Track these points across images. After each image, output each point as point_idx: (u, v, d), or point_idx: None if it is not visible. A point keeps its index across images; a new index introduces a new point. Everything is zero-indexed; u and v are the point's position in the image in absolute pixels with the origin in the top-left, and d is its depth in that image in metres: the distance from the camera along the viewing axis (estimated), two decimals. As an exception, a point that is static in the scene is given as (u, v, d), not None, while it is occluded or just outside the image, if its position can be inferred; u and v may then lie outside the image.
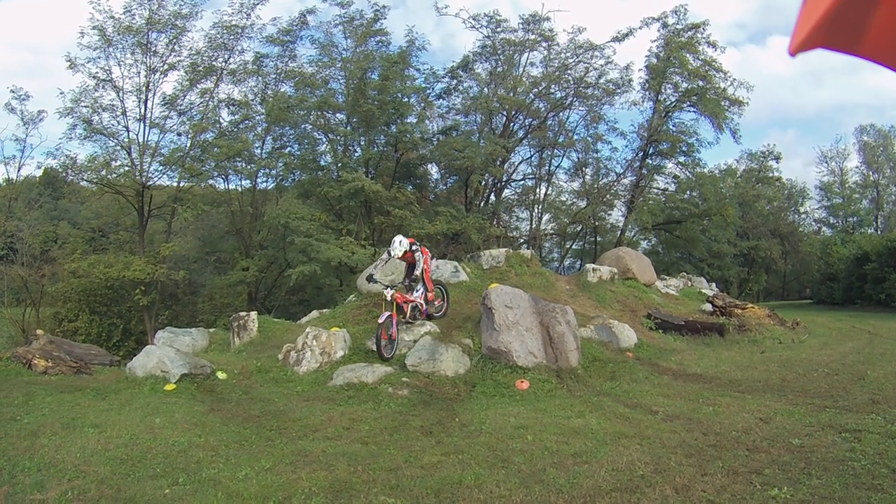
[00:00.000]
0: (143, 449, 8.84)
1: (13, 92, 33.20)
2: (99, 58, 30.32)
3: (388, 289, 15.26)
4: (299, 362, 14.96)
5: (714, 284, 33.58)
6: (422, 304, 16.26)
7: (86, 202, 39.79)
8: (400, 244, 15.76)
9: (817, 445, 8.01)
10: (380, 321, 14.62)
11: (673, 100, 39.58)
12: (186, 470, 7.98)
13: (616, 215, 45.34)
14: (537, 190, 43.54)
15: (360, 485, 7.39)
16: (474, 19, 37.92)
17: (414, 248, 16.06)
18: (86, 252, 33.94)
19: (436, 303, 16.94)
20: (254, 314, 19.10)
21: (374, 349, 15.41)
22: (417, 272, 15.99)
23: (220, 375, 14.14)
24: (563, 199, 47.23)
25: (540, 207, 43.94)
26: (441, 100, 39.26)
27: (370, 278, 16.36)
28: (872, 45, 1.66)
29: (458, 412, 11.38)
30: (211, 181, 35.41)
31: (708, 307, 22.78)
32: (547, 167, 42.69)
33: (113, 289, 31.54)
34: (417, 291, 16.24)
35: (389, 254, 16.01)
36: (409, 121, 34.36)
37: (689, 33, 38.01)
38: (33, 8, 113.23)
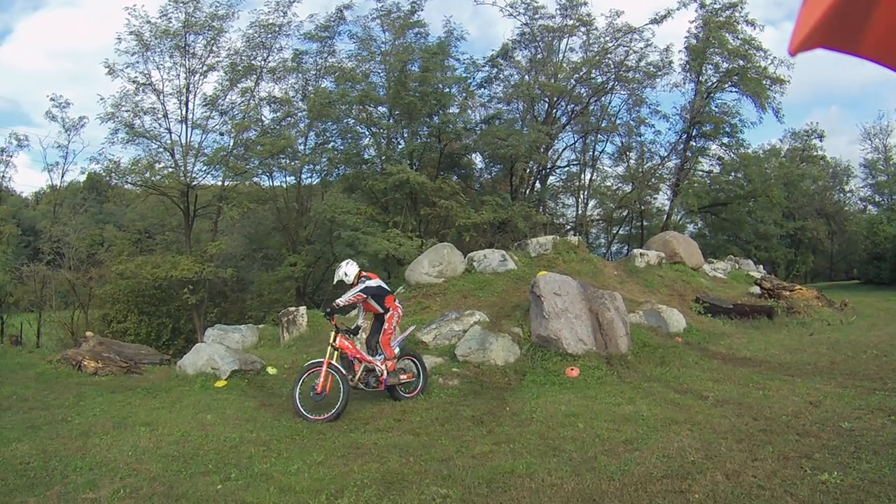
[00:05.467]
0: (195, 446, 9.01)
1: (53, 100, 33.80)
2: (137, 62, 30.48)
3: (341, 330, 12.02)
4: (350, 355, 15.04)
5: (762, 266, 33.52)
6: (381, 370, 12.14)
7: (130, 205, 39.94)
8: (345, 276, 12.42)
9: (867, 429, 8.00)
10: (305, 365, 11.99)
11: (714, 80, 39.32)
12: (238, 465, 8.15)
13: (662, 199, 45.14)
14: (582, 176, 43.58)
15: (411, 476, 7.50)
16: (511, 7, 37.65)
17: (367, 283, 12.32)
18: (132, 254, 34.11)
19: (402, 376, 12.50)
20: (303, 309, 19.19)
21: (423, 340, 15.42)
22: (379, 336, 12.44)
23: (271, 371, 14.30)
24: (609, 184, 46.93)
25: (585, 193, 43.89)
26: (482, 89, 39.19)
27: (334, 309, 12.10)
28: (872, 44, 1.68)
29: (509, 401, 11.47)
30: (255, 179, 35.50)
31: (756, 290, 22.69)
32: (591, 152, 42.71)
33: (161, 289, 31.66)
34: (380, 354, 12.31)
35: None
36: (451, 111, 34.21)
37: (727, 12, 37.60)
38: (71, 17, 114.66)
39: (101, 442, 9.11)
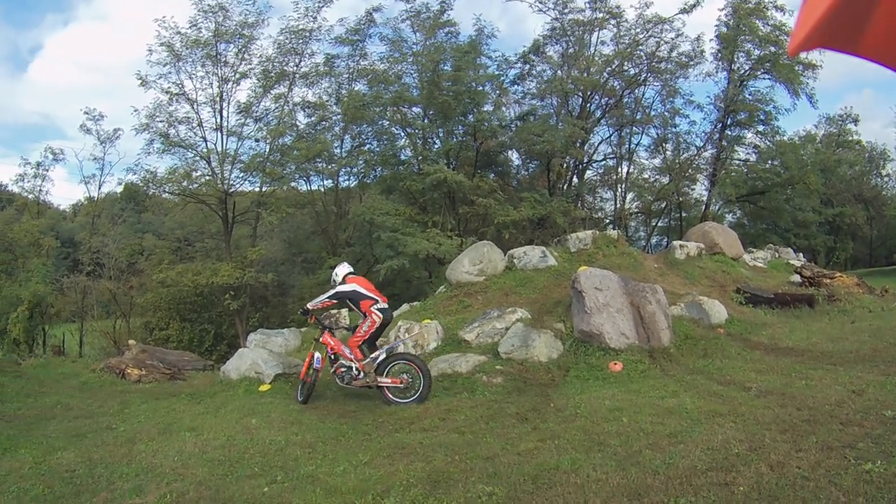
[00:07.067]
0: (241, 449, 9.16)
1: (87, 113, 34.40)
2: (170, 73, 30.78)
3: (324, 327, 13.26)
4: (393, 356, 15.13)
5: (801, 254, 33.17)
6: (356, 371, 12.53)
7: (169, 213, 40.43)
8: (336, 276, 13.38)
9: (910, 417, 7.93)
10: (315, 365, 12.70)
11: (746, 68, 39.16)
12: (284, 468, 8.28)
13: (699, 189, 45.06)
14: (619, 169, 43.69)
15: (457, 474, 7.55)
16: (541, 2, 37.67)
17: (338, 288, 13.04)
18: (173, 262, 34.65)
19: (381, 379, 12.43)
20: (345, 311, 19.20)
21: (465, 339, 15.53)
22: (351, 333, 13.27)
23: (314, 373, 14.44)
24: (646, 176, 47.03)
25: (623, 186, 43.94)
26: (515, 85, 39.42)
27: (306, 311, 13.18)
28: (872, 45, 1.70)
29: (553, 397, 11.46)
30: (293, 183, 35.87)
31: (796, 278, 22.50)
32: (627, 145, 42.72)
33: (202, 295, 32.01)
34: (369, 355, 12.67)
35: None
36: (485, 109, 34.36)
37: (756, -1, 37.49)
38: (101, 30, 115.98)
39: (146, 448, 9.30)
